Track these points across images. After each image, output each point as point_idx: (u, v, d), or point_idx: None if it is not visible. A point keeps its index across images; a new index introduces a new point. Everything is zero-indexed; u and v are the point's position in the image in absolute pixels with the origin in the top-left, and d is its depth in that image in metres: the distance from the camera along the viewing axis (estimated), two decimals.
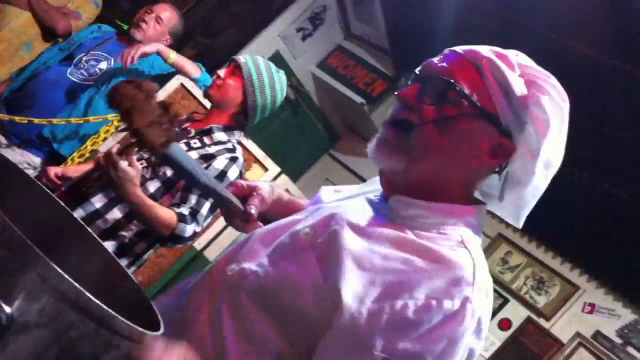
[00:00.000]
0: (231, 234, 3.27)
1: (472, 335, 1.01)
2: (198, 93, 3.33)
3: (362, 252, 1.06)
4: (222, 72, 2.44)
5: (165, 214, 2.15)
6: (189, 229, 2.19)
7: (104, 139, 3.32)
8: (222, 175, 2.27)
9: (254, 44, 4.58)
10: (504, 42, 1.25)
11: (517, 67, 1.13)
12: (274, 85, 2.46)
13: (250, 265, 1.15)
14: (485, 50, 1.15)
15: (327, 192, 1.40)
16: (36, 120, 3.20)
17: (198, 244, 3.26)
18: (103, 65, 3.39)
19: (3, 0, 3.91)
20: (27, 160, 3.33)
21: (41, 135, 3.28)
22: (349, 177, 5.16)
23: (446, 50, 1.19)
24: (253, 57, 2.49)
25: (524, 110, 1.10)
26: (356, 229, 1.12)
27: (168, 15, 3.47)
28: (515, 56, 1.16)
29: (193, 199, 2.25)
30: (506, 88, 1.10)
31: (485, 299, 1.04)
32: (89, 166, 2.58)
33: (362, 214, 1.17)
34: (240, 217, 1.38)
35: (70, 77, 3.36)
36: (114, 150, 2.00)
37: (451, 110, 1.10)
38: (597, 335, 3.91)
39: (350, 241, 1.08)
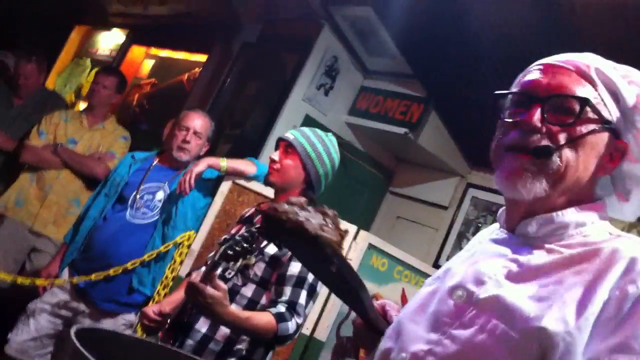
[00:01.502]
0: (334, 307, 3.21)
1: None
2: (253, 185, 3.33)
3: (535, 289, 1.05)
4: (275, 156, 2.44)
5: (263, 320, 2.14)
6: (291, 325, 2.18)
7: (181, 262, 3.33)
8: None
9: (282, 118, 4.60)
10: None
11: (613, 70, 1.16)
12: (329, 151, 2.46)
13: (420, 347, 1.12)
14: (583, 56, 1.16)
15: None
16: (111, 272, 3.23)
17: (306, 329, 3.21)
18: (160, 195, 3.42)
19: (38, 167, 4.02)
20: (123, 322, 3.35)
21: (131, 287, 3.30)
22: (416, 206, 5.10)
23: (539, 65, 1.19)
24: (299, 130, 2.50)
25: (632, 111, 1.16)
26: (512, 276, 1.10)
27: (201, 123, 3.52)
28: (601, 59, 1.18)
29: (288, 291, 2.23)
30: (615, 93, 1.14)
31: None
32: (180, 292, 2.60)
33: (498, 255, 1.16)
34: (382, 331, 1.33)
35: (133, 220, 3.37)
36: (195, 278, 2.01)
37: (583, 127, 1.12)
38: None
39: (516, 288, 1.07)
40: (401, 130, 4.53)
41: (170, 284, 3.29)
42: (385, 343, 1.23)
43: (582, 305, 1.00)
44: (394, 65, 4.67)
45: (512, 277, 1.10)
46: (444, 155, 4.75)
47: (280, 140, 2.52)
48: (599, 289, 1.01)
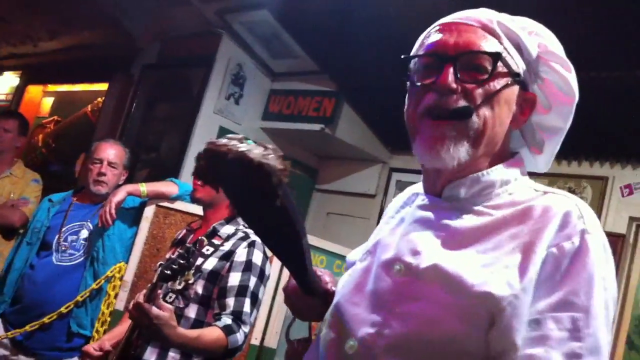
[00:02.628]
0: (280, 312, 3.17)
1: (602, 263, 1.01)
2: (178, 205, 3.26)
3: (473, 255, 1.04)
4: None
5: (213, 336, 2.10)
6: (240, 336, 2.16)
7: (116, 296, 3.23)
8: (249, 264, 2.23)
9: (196, 134, 4.53)
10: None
11: (512, 23, 1.16)
12: None
13: (367, 330, 1.08)
14: (483, 11, 1.15)
15: (356, 251, 1.36)
16: (46, 319, 3.10)
17: (255, 339, 3.16)
18: (84, 234, 3.32)
19: None
20: None
21: (70, 332, 3.18)
22: (345, 199, 5.13)
23: (439, 25, 1.17)
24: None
25: (536, 62, 1.17)
26: (446, 243, 1.08)
27: (115, 152, 3.42)
28: (498, 13, 1.18)
29: (231, 302, 2.20)
30: (519, 45, 1.14)
31: (597, 223, 1.05)
32: (121, 327, 2.53)
33: (429, 223, 1.13)
34: (320, 296, 1.28)
35: (60, 263, 3.26)
36: (141, 298, 1.95)
37: (496, 82, 1.11)
38: None
39: (453, 255, 1.06)
40: (317, 126, 4.54)
41: (108, 319, 3.18)
42: (327, 332, 1.17)
43: (523, 267, 0.99)
44: (301, 65, 4.67)
45: (447, 245, 1.07)
46: (363, 144, 4.79)
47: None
48: (537, 248, 1.00)
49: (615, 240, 3.96)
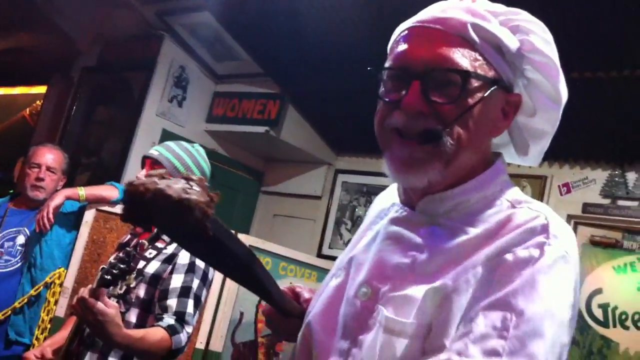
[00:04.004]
0: (225, 316, 3.15)
1: (556, 274, 0.95)
2: (119, 210, 3.20)
3: (441, 283, 0.99)
4: (142, 174, 2.34)
5: (157, 337, 2.06)
6: (183, 336, 2.12)
7: (56, 302, 3.15)
8: (192, 266, 2.20)
9: (139, 137, 4.47)
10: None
11: (491, 18, 1.07)
12: (197, 161, 2.42)
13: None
14: (456, 12, 1.05)
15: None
16: None
17: (200, 343, 3.12)
18: (20, 240, 3.24)
19: None
20: None
21: (9, 340, 3.09)
22: (291, 201, 5.13)
23: (409, 27, 1.08)
24: (164, 145, 2.45)
25: (520, 60, 1.08)
26: (418, 266, 1.03)
27: (53, 157, 3.35)
28: (477, 4, 1.08)
29: (173, 303, 2.16)
30: (498, 45, 1.05)
31: (565, 240, 0.99)
32: (62, 333, 2.48)
33: (401, 240, 1.08)
34: (297, 315, 1.23)
35: None
36: (85, 293, 1.88)
37: (470, 99, 1.02)
38: (586, 207, 3.98)
39: (422, 282, 1.00)
40: (262, 129, 4.53)
41: (48, 326, 3.11)
42: (299, 353, 1.15)
43: (464, 267, 0.97)
44: (244, 67, 4.65)
45: (417, 271, 1.02)
46: (309, 146, 4.80)
47: (145, 157, 2.44)
48: (485, 250, 0.97)
49: None
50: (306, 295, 1.29)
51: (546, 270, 0.93)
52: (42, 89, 5.34)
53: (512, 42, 1.06)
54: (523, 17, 1.09)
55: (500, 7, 1.10)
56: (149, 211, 1.02)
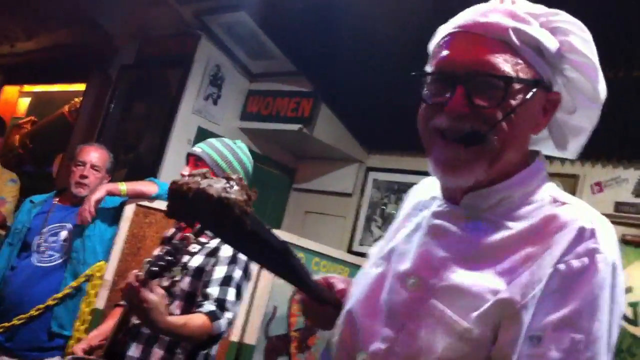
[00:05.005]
0: (259, 309, 3.22)
1: (609, 285, 0.98)
2: (158, 204, 3.28)
3: (491, 277, 1.03)
4: (186, 171, 2.42)
5: (198, 323, 2.11)
6: (223, 322, 2.16)
7: (96, 295, 3.24)
8: (234, 258, 2.26)
9: (175, 134, 4.56)
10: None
11: (532, 20, 1.10)
12: (239, 157, 2.47)
13: (378, 345, 1.08)
14: (497, 16, 1.08)
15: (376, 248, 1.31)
16: (15, 321, 3.11)
17: (235, 336, 3.20)
18: (64, 235, 3.32)
19: None
20: None
21: (51, 332, 3.19)
22: (322, 198, 5.19)
23: (451, 32, 1.11)
24: (207, 142, 2.50)
25: (560, 60, 1.11)
26: (464, 259, 1.07)
27: (98, 156, 3.44)
28: (517, 6, 1.11)
29: (215, 291, 2.21)
30: (538, 48, 1.08)
31: (611, 242, 1.02)
32: (107, 324, 2.55)
33: (446, 234, 1.12)
34: (333, 305, 1.27)
35: (40, 264, 3.26)
36: (133, 280, 1.94)
37: (512, 100, 1.06)
38: (618, 206, 3.97)
39: (471, 275, 1.04)
40: (295, 126, 4.59)
41: (89, 318, 3.19)
42: (339, 340, 1.18)
43: (530, 283, 0.99)
44: (278, 65, 4.72)
45: (463, 262, 1.05)
46: (341, 144, 4.85)
47: (189, 155, 2.51)
48: (545, 263, 0.99)
49: None
50: (340, 285, 1.32)
51: (603, 285, 0.97)
52: (81, 86, 5.45)
53: (552, 44, 1.09)
54: (562, 17, 1.12)
55: (540, 9, 1.12)
56: (192, 208, 1.09)
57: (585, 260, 0.98)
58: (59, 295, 3.18)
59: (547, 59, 1.09)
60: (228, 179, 1.11)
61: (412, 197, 1.31)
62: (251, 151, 4.86)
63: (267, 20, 4.38)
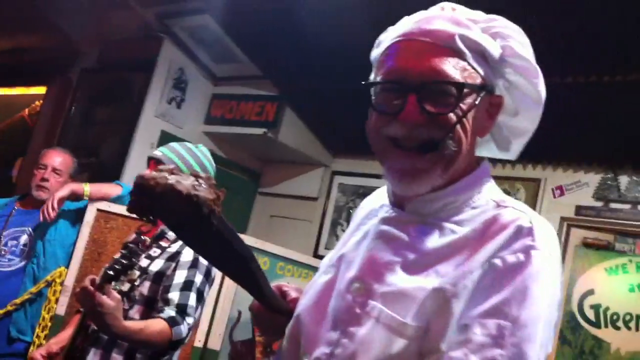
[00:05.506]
0: (223, 314, 3.19)
1: (544, 280, 0.99)
2: (119, 209, 3.24)
3: (433, 280, 1.03)
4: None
5: (157, 328, 2.09)
6: (184, 328, 2.14)
7: (56, 301, 3.19)
8: (195, 262, 2.24)
9: (138, 138, 4.51)
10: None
11: (473, 26, 1.11)
12: (201, 162, 2.46)
13: (322, 350, 1.09)
14: (441, 23, 1.09)
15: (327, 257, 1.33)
16: None
17: (199, 341, 3.16)
18: (24, 239, 3.28)
19: None
20: None
21: (10, 337, 3.13)
22: (287, 202, 5.18)
23: (399, 41, 1.11)
24: (168, 147, 2.49)
25: (500, 65, 1.14)
26: (409, 264, 1.08)
27: (60, 160, 3.40)
28: (458, 13, 1.13)
29: (175, 296, 2.19)
30: (483, 53, 1.11)
31: (550, 240, 1.04)
32: (67, 331, 2.52)
33: (392, 240, 1.13)
34: (285, 314, 1.27)
35: (1, 269, 3.21)
36: (87, 282, 1.91)
37: (463, 105, 1.07)
38: (579, 209, 4.04)
39: (415, 280, 1.05)
40: (260, 130, 4.58)
41: (49, 324, 3.14)
42: (286, 346, 1.20)
43: (463, 275, 1.01)
44: (242, 69, 4.70)
45: (409, 266, 1.07)
46: (306, 148, 4.85)
47: (150, 158, 2.48)
48: (480, 256, 1.01)
49: None
50: (293, 294, 1.32)
51: (535, 276, 0.98)
52: (41, 90, 5.37)
53: (495, 49, 1.11)
54: (501, 23, 1.14)
55: (479, 15, 1.15)
56: (157, 204, 1.06)
57: (521, 256, 0.99)
58: (18, 300, 3.13)
59: (490, 64, 1.12)
60: (197, 176, 1.08)
61: (364, 207, 1.32)
62: (216, 155, 4.88)
63: (232, 24, 4.36)
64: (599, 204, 3.98)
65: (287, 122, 4.64)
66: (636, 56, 3.25)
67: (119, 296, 1.96)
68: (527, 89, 1.16)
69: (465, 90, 1.07)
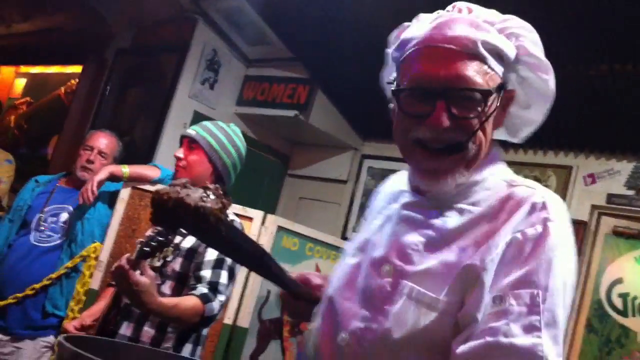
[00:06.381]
0: (253, 292, 3.24)
1: (562, 248, 1.09)
2: (153, 187, 3.29)
3: (455, 255, 1.13)
4: (180, 153, 2.42)
5: (189, 304, 2.13)
6: (216, 304, 2.18)
7: (91, 275, 3.26)
8: None
9: (171, 118, 4.57)
10: None
11: (490, 28, 1.19)
12: (233, 141, 2.48)
13: (357, 325, 1.17)
14: (463, 29, 1.15)
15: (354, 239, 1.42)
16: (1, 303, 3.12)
17: (228, 319, 3.22)
18: (64, 217, 3.34)
19: None
20: (43, 345, 3.25)
21: (45, 312, 3.21)
22: (317, 185, 5.22)
23: (423, 46, 1.17)
24: (201, 125, 2.50)
25: (515, 63, 1.21)
26: (432, 244, 1.16)
27: (106, 143, 3.45)
28: (476, 15, 1.21)
29: (207, 274, 2.23)
30: (499, 55, 1.18)
31: (561, 212, 1.13)
32: (100, 304, 2.56)
33: (415, 223, 1.21)
34: (307, 298, 1.39)
35: (38, 244, 3.28)
36: (123, 261, 1.96)
37: (487, 109, 1.16)
38: (610, 197, 4.01)
39: (439, 257, 1.14)
40: (291, 113, 4.61)
41: (83, 298, 3.21)
42: (321, 323, 1.27)
43: (486, 249, 1.09)
44: (274, 51, 4.73)
45: (432, 245, 1.15)
46: (336, 131, 4.87)
47: (182, 137, 2.50)
48: (502, 232, 1.10)
49: (578, 228, 4.10)
50: (316, 280, 1.43)
51: (555, 246, 1.08)
52: (77, 69, 5.45)
53: (510, 50, 1.19)
54: (515, 22, 1.21)
55: (494, 15, 1.22)
56: (173, 216, 1.21)
57: (539, 227, 1.08)
58: (54, 275, 3.20)
59: (505, 64, 1.19)
60: (205, 188, 1.22)
61: (383, 193, 1.41)
62: (246, 137, 4.88)
63: (266, 7, 4.38)
64: (631, 192, 3.94)
65: (318, 105, 4.66)
66: None
67: (153, 273, 2.01)
68: (539, 85, 1.23)
69: (490, 96, 1.15)
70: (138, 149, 4.62)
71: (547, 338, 1.01)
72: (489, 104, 1.15)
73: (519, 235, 1.08)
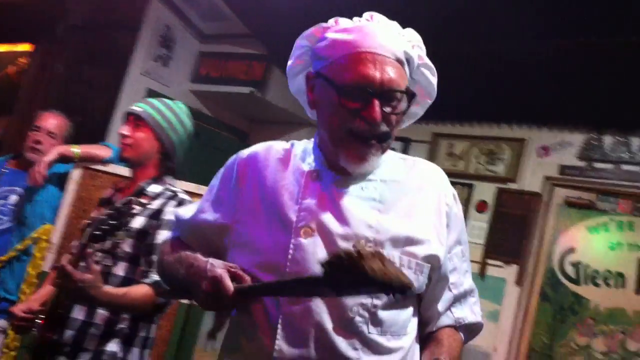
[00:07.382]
0: None
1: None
2: (105, 167, 3.24)
3: (408, 224, 1.39)
4: (125, 131, 2.37)
5: (140, 293, 2.11)
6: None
7: (42, 258, 3.21)
8: None
9: (124, 96, 4.50)
10: None
11: (405, 39, 1.41)
12: (180, 118, 2.44)
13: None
14: (393, 41, 1.37)
15: None
16: None
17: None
18: (13, 199, 3.26)
19: None
20: None
21: None
22: None
23: (365, 52, 1.34)
24: (146, 102, 2.44)
25: (417, 71, 1.45)
26: (382, 211, 1.39)
27: (55, 123, 3.36)
28: (397, 29, 1.42)
29: None
30: (409, 62, 1.41)
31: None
32: (48, 287, 2.52)
33: (353, 196, 1.40)
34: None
35: None
36: (65, 262, 1.94)
37: (401, 105, 1.38)
38: (563, 169, 4.08)
39: (395, 222, 1.40)
40: (247, 89, 4.57)
41: (35, 281, 3.15)
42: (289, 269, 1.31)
43: (442, 226, 1.41)
44: (230, 27, 4.67)
45: (385, 215, 1.36)
46: (294, 107, 4.83)
47: (128, 114, 2.44)
48: (442, 208, 1.43)
49: (531, 199, 4.17)
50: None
51: (461, 210, 1.50)
52: (27, 47, 5.31)
53: (416, 57, 1.42)
54: (414, 34, 1.45)
55: (399, 28, 1.43)
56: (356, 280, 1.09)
57: (454, 197, 1.48)
58: (4, 257, 3.14)
59: (411, 68, 1.42)
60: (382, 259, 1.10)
61: (262, 163, 1.49)
62: (202, 114, 4.89)
63: None
64: (583, 163, 4.02)
65: (275, 82, 4.63)
66: (622, 20, 3.26)
67: (97, 267, 1.99)
68: (429, 87, 1.49)
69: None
70: (91, 127, 4.54)
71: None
72: (405, 102, 1.38)
73: (446, 208, 1.43)
